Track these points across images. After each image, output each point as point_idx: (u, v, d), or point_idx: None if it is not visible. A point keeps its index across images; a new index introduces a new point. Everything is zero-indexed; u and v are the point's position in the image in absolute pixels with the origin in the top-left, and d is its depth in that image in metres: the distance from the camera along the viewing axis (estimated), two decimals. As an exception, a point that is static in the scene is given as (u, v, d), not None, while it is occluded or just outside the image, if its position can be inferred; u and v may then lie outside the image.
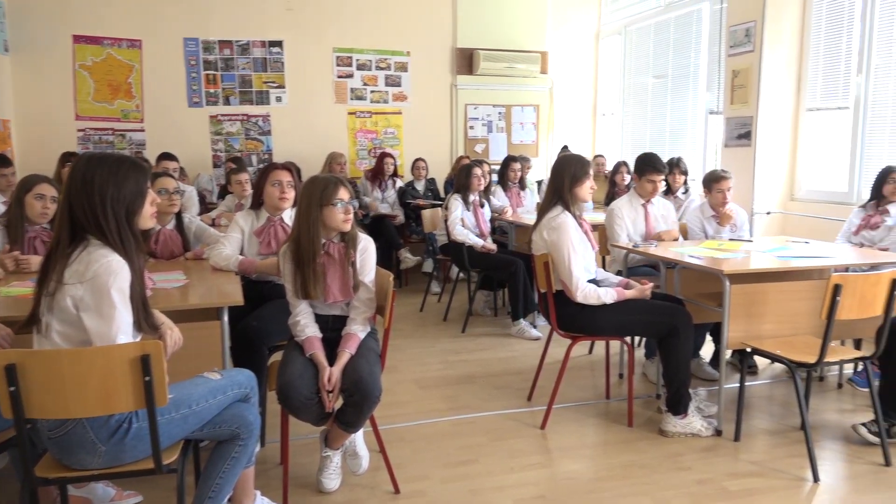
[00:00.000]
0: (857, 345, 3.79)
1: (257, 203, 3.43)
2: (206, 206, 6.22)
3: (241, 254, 3.34)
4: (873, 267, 3.57)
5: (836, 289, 2.81)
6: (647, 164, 4.23)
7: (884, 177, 4.21)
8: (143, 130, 7.19)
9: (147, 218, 2.10)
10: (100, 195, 1.96)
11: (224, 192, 6.34)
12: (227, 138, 7.46)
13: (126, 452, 1.99)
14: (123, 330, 1.94)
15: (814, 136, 5.79)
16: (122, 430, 1.96)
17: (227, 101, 7.42)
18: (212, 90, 7.36)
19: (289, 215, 3.38)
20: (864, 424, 3.19)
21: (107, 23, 6.98)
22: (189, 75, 7.28)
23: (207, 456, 2.27)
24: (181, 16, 7.17)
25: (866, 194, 4.38)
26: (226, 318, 2.62)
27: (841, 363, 3.68)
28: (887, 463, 2.99)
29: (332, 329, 2.76)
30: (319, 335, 2.71)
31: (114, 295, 1.91)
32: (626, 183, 5.98)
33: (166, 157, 5.72)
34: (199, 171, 7.26)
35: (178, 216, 3.64)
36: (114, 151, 6.65)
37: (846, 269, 3.64)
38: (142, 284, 2.04)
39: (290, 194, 3.36)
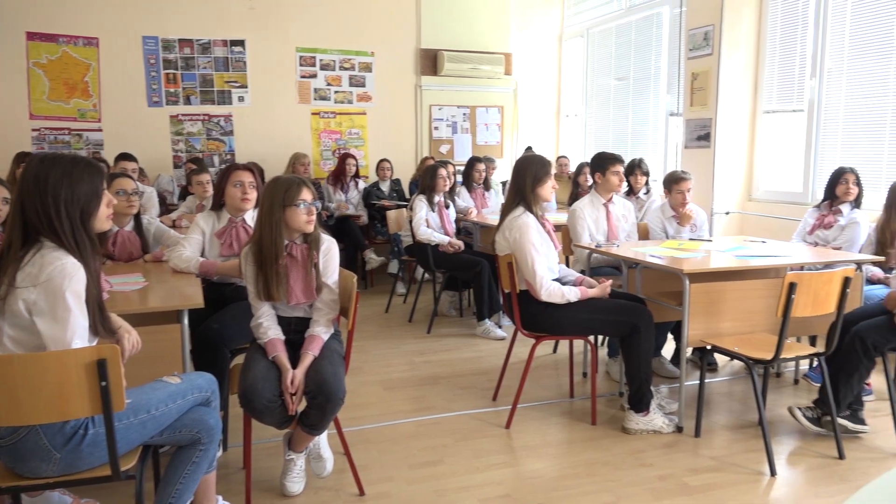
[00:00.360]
0: (813, 341, 3.89)
1: (218, 204, 3.39)
2: (166, 208, 6.12)
3: (203, 255, 3.30)
4: (827, 265, 3.67)
5: (791, 287, 2.88)
6: (607, 159, 4.28)
7: (836, 178, 4.33)
8: (100, 130, 7.03)
9: (103, 219, 2.06)
10: (53, 196, 1.92)
11: (185, 193, 6.24)
12: (189, 138, 7.34)
13: (82, 459, 1.94)
14: (79, 334, 1.90)
15: (770, 138, 5.93)
16: (77, 436, 1.91)
17: (187, 101, 7.31)
18: (172, 89, 7.24)
19: (251, 216, 3.34)
20: (800, 408, 3.29)
21: (62, 20, 6.81)
22: (148, 74, 7.14)
23: (168, 461, 2.23)
24: (139, 14, 7.03)
25: (820, 194, 4.50)
26: (186, 320, 2.59)
27: (797, 359, 3.78)
28: (841, 456, 3.07)
29: (295, 331, 2.74)
30: (282, 337, 2.69)
31: (69, 298, 1.87)
32: (590, 184, 6.04)
33: (125, 157, 5.61)
34: (160, 171, 7.14)
35: (137, 217, 3.58)
36: (68, 152, 6.52)
37: (801, 267, 3.73)
38: (98, 287, 2.00)
39: (253, 195, 3.33)
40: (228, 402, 3.06)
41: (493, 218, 5.51)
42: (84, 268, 1.93)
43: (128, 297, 2.69)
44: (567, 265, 4.29)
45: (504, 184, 7.29)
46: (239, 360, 2.83)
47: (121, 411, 1.91)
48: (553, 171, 3.53)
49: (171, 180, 7.14)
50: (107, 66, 6.99)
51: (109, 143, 6.98)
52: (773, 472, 2.94)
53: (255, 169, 3.45)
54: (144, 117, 7.16)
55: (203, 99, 7.35)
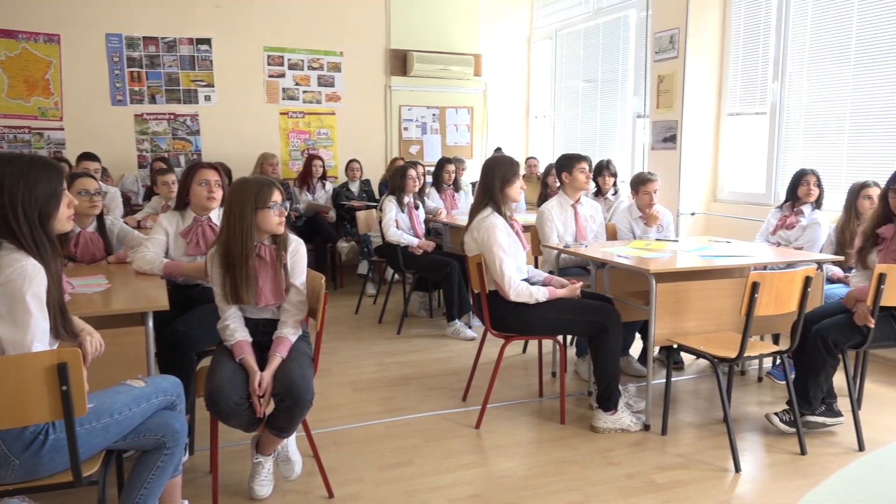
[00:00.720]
0: (776, 340, 3.97)
1: (182, 203, 3.34)
2: (131, 208, 6.01)
3: (167, 256, 3.24)
4: (789, 265, 3.74)
5: (755, 286, 2.94)
6: (571, 158, 4.31)
7: (797, 179, 4.42)
8: (62, 129, 6.89)
9: (63, 221, 2.02)
10: (10, 197, 1.87)
11: (150, 193, 6.14)
12: (154, 138, 7.23)
13: (43, 465, 1.90)
14: (39, 337, 1.86)
15: (734, 140, 6.03)
16: (37, 441, 1.87)
17: (152, 100, 7.19)
18: (136, 88, 7.11)
19: (216, 215, 3.30)
20: (776, 414, 3.35)
21: (21, 16, 6.65)
22: (112, 72, 7.01)
23: (132, 466, 2.19)
24: (102, 10, 6.90)
25: (783, 195, 4.59)
26: (150, 323, 2.54)
27: (760, 357, 3.85)
28: (803, 452, 3.14)
29: (263, 333, 2.71)
30: (249, 339, 2.66)
31: (29, 301, 1.83)
32: (558, 185, 6.09)
33: (87, 157, 5.50)
34: (124, 171, 7.01)
35: (100, 218, 3.51)
36: (27, 151, 6.36)
37: (764, 267, 3.80)
38: (59, 289, 1.96)
39: (218, 194, 3.29)
40: (195, 406, 3.02)
41: (462, 219, 5.52)
42: (45, 269, 1.90)
43: (90, 300, 2.64)
44: (536, 266, 4.32)
45: (474, 185, 7.31)
46: (206, 362, 2.80)
47: (83, 416, 1.87)
48: (522, 171, 3.55)
49: (136, 180, 7.02)
50: (69, 64, 6.84)
51: (72, 142, 6.84)
52: (737, 469, 3.00)
53: (219, 167, 3.41)
54: (108, 116, 7.03)
55: (169, 98, 7.24)
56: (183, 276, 3.20)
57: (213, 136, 7.41)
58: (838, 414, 3.36)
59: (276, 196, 2.66)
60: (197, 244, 3.25)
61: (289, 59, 7.66)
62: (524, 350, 4.74)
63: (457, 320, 5.14)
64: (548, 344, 4.26)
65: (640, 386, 4.01)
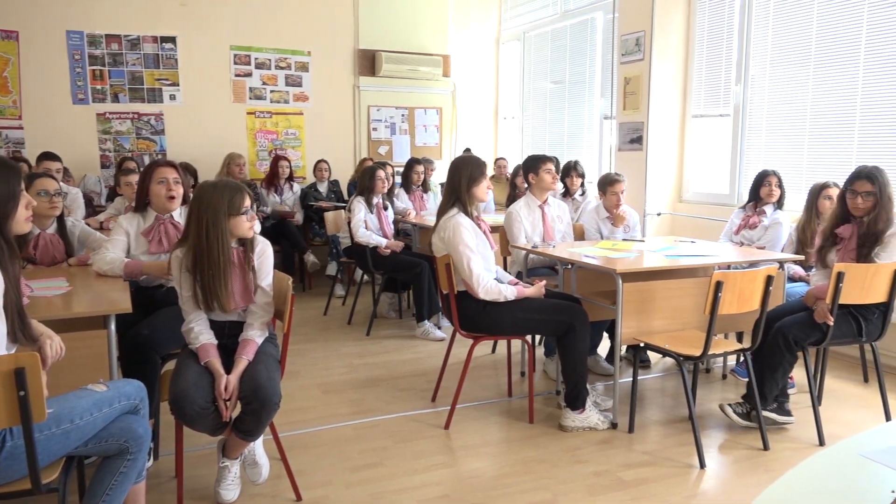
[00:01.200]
0: (740, 338, 4.04)
1: (142, 204, 3.28)
2: (93, 209, 5.90)
3: (128, 257, 3.18)
4: (752, 264, 3.81)
5: (718, 285, 2.99)
6: (537, 159, 4.34)
7: (759, 180, 4.51)
8: (21, 128, 6.71)
9: (21, 222, 1.97)
10: (-36, 198, 1.82)
11: (113, 194, 6.02)
12: (117, 137, 7.09)
13: (0, 472, 1.85)
14: (-5, 341, 1.81)
15: (699, 142, 6.13)
16: (-6, 449, 1.82)
17: (115, 99, 7.05)
18: (99, 86, 6.97)
19: (179, 213, 3.26)
20: (730, 405, 3.42)
21: (-22, 12, 6.48)
22: (73, 70, 6.86)
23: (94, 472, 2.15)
24: (63, 7, 6.74)
25: (746, 196, 4.68)
26: (113, 326, 2.50)
27: (724, 355, 3.92)
28: (765, 447, 3.20)
29: (229, 335, 2.68)
30: (215, 342, 2.62)
31: (-16, 304, 1.78)
32: (526, 186, 6.12)
33: (48, 156, 5.36)
34: (86, 171, 6.87)
35: (61, 219, 3.43)
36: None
37: (728, 266, 3.87)
38: (18, 293, 1.92)
39: (179, 191, 3.23)
40: (159, 410, 2.97)
41: (431, 219, 5.52)
42: (2, 272, 1.85)
43: (50, 303, 2.58)
44: (505, 266, 4.34)
45: (443, 185, 7.31)
46: (170, 366, 2.75)
47: (42, 422, 1.82)
48: (491, 172, 3.57)
49: (99, 181, 6.88)
50: (27, 61, 6.68)
51: (31, 141, 6.67)
52: (702, 465, 3.04)
53: (178, 166, 3.35)
54: (69, 115, 6.87)
55: (132, 97, 7.11)
56: (145, 276, 3.15)
57: (179, 136, 7.29)
58: (789, 413, 3.44)
59: (248, 201, 2.64)
60: (160, 242, 3.20)
61: (256, 59, 7.57)
62: (493, 350, 4.76)
63: (426, 321, 5.14)
64: (517, 344, 4.29)
65: (608, 385, 4.05)
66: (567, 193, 5.46)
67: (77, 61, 6.87)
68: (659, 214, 6.19)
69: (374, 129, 8.20)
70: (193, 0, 7.21)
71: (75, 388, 2.08)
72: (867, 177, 3.22)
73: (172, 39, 7.19)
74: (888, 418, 3.49)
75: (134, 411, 2.18)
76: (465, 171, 3.47)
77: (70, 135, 6.83)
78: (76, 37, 6.85)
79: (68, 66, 6.84)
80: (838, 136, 4.84)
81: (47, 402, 1.83)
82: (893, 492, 1.01)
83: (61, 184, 3.62)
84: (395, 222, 5.80)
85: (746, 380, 3.92)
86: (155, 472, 2.92)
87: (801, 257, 3.98)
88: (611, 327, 3.96)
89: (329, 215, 6.16)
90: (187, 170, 5.88)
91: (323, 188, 7.26)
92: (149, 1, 7.04)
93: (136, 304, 2.63)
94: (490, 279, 3.39)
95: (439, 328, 5.17)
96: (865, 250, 3.25)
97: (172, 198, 3.21)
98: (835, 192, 4.04)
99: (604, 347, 4.44)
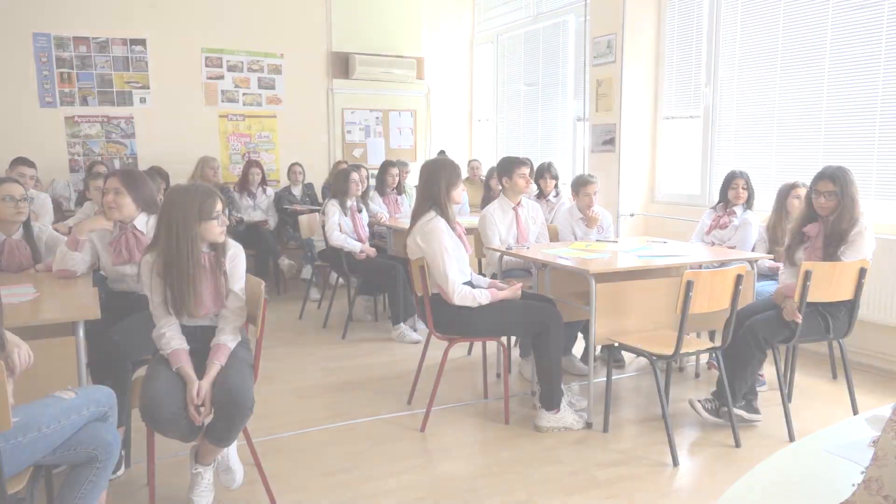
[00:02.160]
0: (712, 336, 4.09)
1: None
2: (62, 214, 5.79)
3: (100, 265, 3.14)
4: (723, 264, 3.86)
5: (689, 285, 3.02)
6: (511, 162, 4.36)
7: (728, 181, 4.57)
8: (-13, 132, 6.58)
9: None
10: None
11: (82, 198, 5.92)
12: (86, 141, 6.98)
13: (-36, 484, 1.81)
14: (-41, 350, 1.77)
15: (670, 143, 6.20)
16: (-42, 459, 1.78)
17: (84, 102, 6.94)
18: (67, 89, 6.85)
19: (141, 222, 3.19)
20: (699, 401, 3.46)
21: (-59, 13, 6.34)
22: (40, 73, 6.73)
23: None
24: (28, 8, 6.61)
25: (716, 196, 4.74)
26: (81, 332, 2.46)
27: (697, 353, 3.96)
28: (737, 444, 3.24)
29: (201, 340, 2.64)
30: (186, 347, 2.59)
31: (-52, 312, 1.75)
32: (500, 188, 6.15)
33: (22, 162, 5.21)
34: (55, 176, 6.75)
35: (27, 225, 3.37)
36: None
37: (699, 266, 3.92)
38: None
39: (122, 201, 3.14)
40: (131, 417, 2.92)
41: (406, 222, 5.51)
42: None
43: (17, 309, 2.53)
44: (480, 268, 4.35)
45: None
46: (141, 372, 2.72)
47: (6, 431, 1.79)
48: (465, 174, 3.58)
49: (68, 185, 6.76)
50: (-7, 64, 6.55)
51: (-2, 145, 6.54)
52: (675, 463, 3.08)
53: (119, 173, 3.27)
54: (36, 118, 6.75)
55: (101, 100, 7.00)
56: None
57: (150, 139, 7.20)
58: (757, 411, 3.49)
59: (219, 206, 2.61)
60: (120, 253, 3.14)
61: (227, 61, 7.50)
62: (469, 352, 4.76)
63: (402, 324, 5.13)
64: (492, 345, 4.29)
65: (583, 384, 4.08)
66: (541, 195, 5.49)
67: (44, 63, 6.75)
68: (632, 215, 6.25)
69: (349, 132, 8.17)
70: (163, 1, 7.13)
71: (43, 396, 2.05)
72: (830, 177, 3.28)
73: (142, 42, 7.10)
74: (855, 413, 3.55)
75: (103, 418, 2.15)
76: (444, 175, 3.47)
77: (38, 138, 6.70)
78: (43, 39, 6.73)
79: (35, 68, 6.72)
80: (805, 136, 4.93)
81: (13, 410, 1.80)
82: (854, 485, 1.04)
83: (27, 189, 3.55)
84: (370, 225, 5.79)
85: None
86: (127, 480, 2.88)
87: (771, 256, 4.05)
88: (585, 328, 3.99)
89: (303, 219, 6.12)
90: (158, 174, 5.80)
91: (297, 191, 7.21)
92: (117, 2, 6.95)
93: (106, 309, 2.60)
94: (463, 285, 3.39)
95: (415, 331, 5.16)
96: (831, 249, 3.31)
97: (112, 209, 3.13)
98: (803, 192, 4.10)
99: (578, 348, 4.47)
